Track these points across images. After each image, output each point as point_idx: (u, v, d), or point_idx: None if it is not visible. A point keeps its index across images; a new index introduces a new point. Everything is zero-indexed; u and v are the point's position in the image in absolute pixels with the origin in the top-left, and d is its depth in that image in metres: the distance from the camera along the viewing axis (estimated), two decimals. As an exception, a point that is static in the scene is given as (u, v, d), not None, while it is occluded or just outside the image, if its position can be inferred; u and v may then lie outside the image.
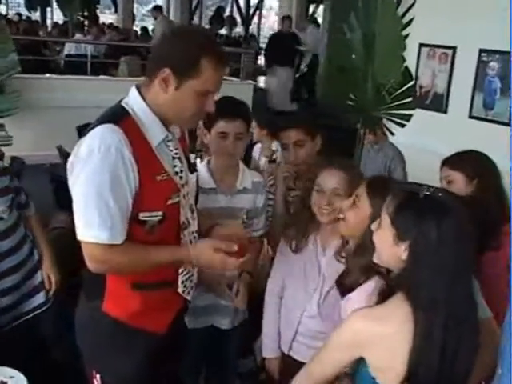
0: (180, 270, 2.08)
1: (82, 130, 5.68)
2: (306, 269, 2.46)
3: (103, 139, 1.81)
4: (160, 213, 1.93)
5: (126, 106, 1.94)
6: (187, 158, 2.16)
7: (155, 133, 1.94)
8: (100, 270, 1.94)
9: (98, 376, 2.10)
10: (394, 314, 1.63)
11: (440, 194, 1.68)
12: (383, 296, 1.74)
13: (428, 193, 1.66)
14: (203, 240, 2.05)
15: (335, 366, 1.72)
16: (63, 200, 4.18)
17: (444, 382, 1.63)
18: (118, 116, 1.90)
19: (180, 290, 2.10)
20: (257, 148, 4.09)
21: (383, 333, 1.62)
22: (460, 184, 2.64)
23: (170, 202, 1.95)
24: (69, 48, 10.41)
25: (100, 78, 8.30)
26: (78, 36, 11.25)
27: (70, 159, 1.88)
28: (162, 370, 2.15)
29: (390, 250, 1.68)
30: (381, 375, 1.67)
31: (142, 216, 1.91)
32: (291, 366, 2.31)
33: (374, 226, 1.76)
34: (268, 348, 2.61)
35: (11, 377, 2.07)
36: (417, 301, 1.61)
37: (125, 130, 1.85)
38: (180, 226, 2.04)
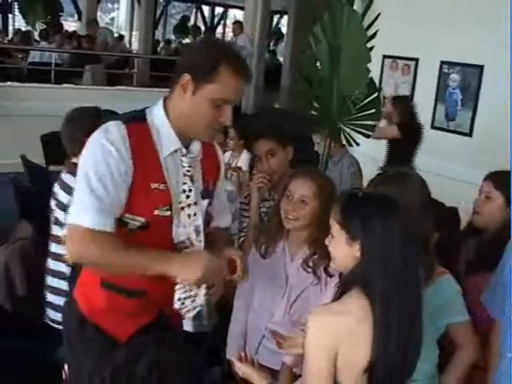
0: (177, 286, 1.98)
1: (46, 139, 5.62)
2: (273, 275, 2.48)
3: (106, 133, 1.86)
4: (142, 219, 1.91)
5: (147, 112, 1.97)
6: (206, 182, 2.11)
7: (167, 143, 1.94)
8: (76, 254, 1.89)
9: (65, 366, 2.14)
10: (352, 309, 1.69)
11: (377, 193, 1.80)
12: (340, 293, 1.79)
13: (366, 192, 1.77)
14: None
15: (326, 370, 1.70)
16: (26, 210, 4.12)
17: (397, 371, 1.71)
18: (133, 118, 1.94)
19: (177, 306, 2.00)
20: (226, 156, 4.13)
21: (349, 326, 1.67)
22: (496, 205, 2.63)
23: (156, 212, 1.92)
24: (33, 55, 10.27)
25: (64, 87, 8.21)
26: (42, 43, 11.10)
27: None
28: None
29: (345, 253, 1.74)
30: (342, 372, 1.70)
31: (124, 216, 1.90)
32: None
33: (327, 241, 1.81)
34: (231, 350, 2.62)
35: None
36: (373, 295, 1.67)
37: (131, 131, 1.87)
38: (170, 242, 1.99)
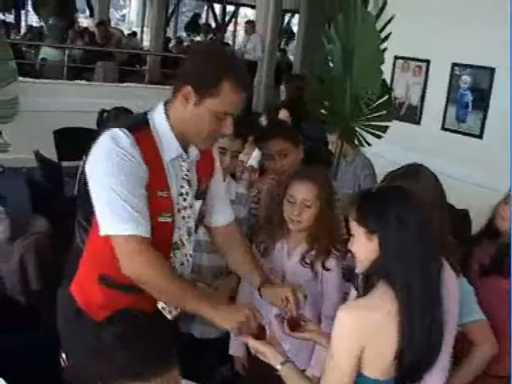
0: None
1: (59, 135, 5.67)
2: (272, 273, 2.51)
3: (118, 143, 1.86)
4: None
5: (148, 117, 1.98)
6: (200, 184, 2.14)
7: (169, 149, 1.97)
8: (134, 266, 1.88)
9: (63, 355, 2.15)
10: (380, 303, 1.72)
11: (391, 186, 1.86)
12: (364, 288, 1.83)
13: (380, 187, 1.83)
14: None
15: (349, 369, 1.72)
16: (40, 205, 4.17)
17: (424, 356, 1.75)
18: (137, 126, 1.95)
19: (159, 306, 2.05)
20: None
21: (377, 320, 1.70)
22: None
23: (160, 219, 1.95)
24: (45, 52, 10.31)
25: (76, 83, 8.26)
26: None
27: (88, 163, 1.92)
28: None
29: (366, 249, 1.77)
30: (370, 365, 1.73)
31: None
32: (258, 366, 2.22)
33: (349, 243, 1.84)
34: (233, 346, 2.68)
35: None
36: (395, 286, 1.71)
37: (138, 140, 1.89)
38: (170, 246, 2.05)
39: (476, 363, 2.34)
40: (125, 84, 8.95)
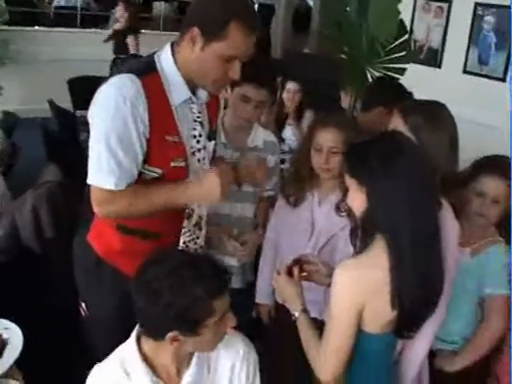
0: (183, 231, 2.08)
1: (73, 84, 5.62)
2: (300, 222, 2.48)
3: (120, 90, 1.82)
4: (159, 171, 1.94)
5: (156, 61, 1.94)
6: (211, 124, 2.13)
7: (178, 93, 1.94)
8: (103, 213, 1.95)
9: (83, 304, 2.18)
10: (377, 259, 1.68)
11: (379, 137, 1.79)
12: (360, 244, 1.80)
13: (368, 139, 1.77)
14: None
15: (350, 326, 1.70)
16: (54, 153, 4.17)
17: (421, 301, 1.71)
18: (144, 69, 1.91)
19: (182, 245, 2.09)
20: None
21: (374, 277, 1.67)
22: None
23: (173, 164, 1.95)
24: (58, 0, 10.18)
25: (90, 31, 8.18)
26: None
27: (90, 107, 1.90)
28: None
29: (359, 202, 1.72)
30: (371, 323, 1.72)
31: (142, 167, 1.92)
32: (284, 315, 2.22)
33: (347, 199, 1.81)
34: (261, 294, 2.67)
35: (6, 328, 2.04)
36: (384, 235, 1.67)
37: (146, 84, 1.85)
38: None
39: (486, 337, 2.26)
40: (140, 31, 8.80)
